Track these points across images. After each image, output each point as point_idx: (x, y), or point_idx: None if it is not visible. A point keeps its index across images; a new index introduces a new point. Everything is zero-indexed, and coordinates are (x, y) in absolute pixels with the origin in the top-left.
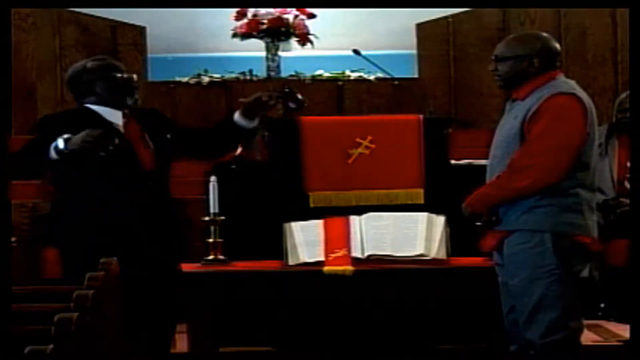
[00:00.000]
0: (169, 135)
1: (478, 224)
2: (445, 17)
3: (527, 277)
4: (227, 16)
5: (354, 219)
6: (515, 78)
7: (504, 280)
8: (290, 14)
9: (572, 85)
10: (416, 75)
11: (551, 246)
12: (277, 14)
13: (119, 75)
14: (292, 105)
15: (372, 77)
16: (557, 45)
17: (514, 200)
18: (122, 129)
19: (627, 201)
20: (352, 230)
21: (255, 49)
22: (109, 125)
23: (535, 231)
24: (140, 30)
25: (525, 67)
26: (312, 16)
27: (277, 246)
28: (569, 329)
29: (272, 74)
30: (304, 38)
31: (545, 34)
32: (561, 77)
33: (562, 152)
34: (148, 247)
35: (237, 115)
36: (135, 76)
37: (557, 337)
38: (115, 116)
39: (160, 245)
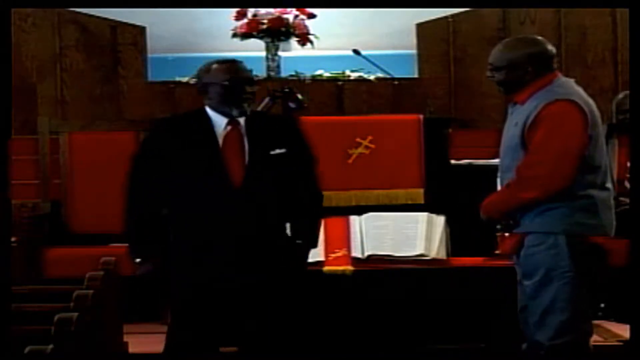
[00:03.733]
0: (279, 150)
1: (498, 227)
2: (445, 17)
3: (540, 278)
4: (227, 16)
5: (354, 219)
6: (513, 85)
7: (520, 279)
8: (290, 14)
9: (570, 89)
10: (416, 75)
11: (565, 248)
12: (277, 14)
13: (229, 84)
14: (292, 105)
15: (372, 77)
16: (551, 48)
17: (525, 207)
18: (220, 138)
19: (627, 201)
20: (352, 230)
21: (255, 49)
22: (209, 132)
23: (549, 233)
24: (140, 30)
25: (520, 74)
26: (312, 16)
27: None
28: (578, 331)
29: (272, 74)
30: (304, 38)
31: (538, 37)
32: (559, 79)
33: (563, 159)
34: (231, 264)
35: None
36: (250, 88)
37: (566, 340)
38: (220, 122)
39: (244, 262)
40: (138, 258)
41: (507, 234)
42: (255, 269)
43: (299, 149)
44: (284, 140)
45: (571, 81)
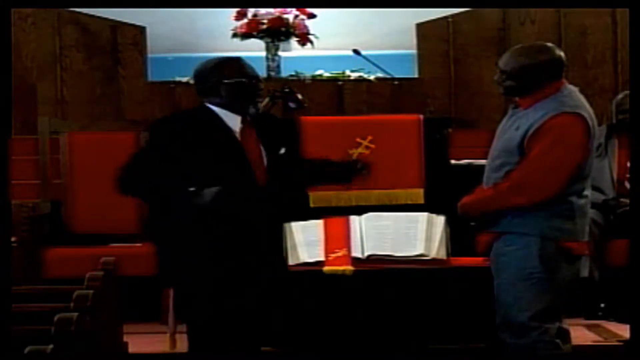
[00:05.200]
0: (283, 150)
1: (472, 224)
2: (445, 17)
3: (507, 278)
4: (227, 16)
5: (354, 219)
6: (521, 90)
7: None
8: (290, 14)
9: (577, 100)
10: (416, 75)
11: (536, 250)
12: (277, 14)
13: (246, 81)
14: (292, 105)
15: (372, 77)
16: (563, 55)
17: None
18: (238, 136)
19: (627, 201)
20: (352, 230)
21: (255, 49)
22: (226, 130)
23: (523, 234)
24: (140, 30)
25: (531, 81)
26: (312, 16)
27: None
28: (539, 330)
29: (272, 74)
30: (304, 38)
31: (550, 45)
32: (566, 88)
33: (560, 172)
34: (254, 263)
35: None
36: (262, 84)
37: (529, 340)
38: (233, 121)
39: (265, 259)
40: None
41: (481, 233)
42: (272, 266)
43: (295, 149)
44: (284, 140)
45: (576, 90)
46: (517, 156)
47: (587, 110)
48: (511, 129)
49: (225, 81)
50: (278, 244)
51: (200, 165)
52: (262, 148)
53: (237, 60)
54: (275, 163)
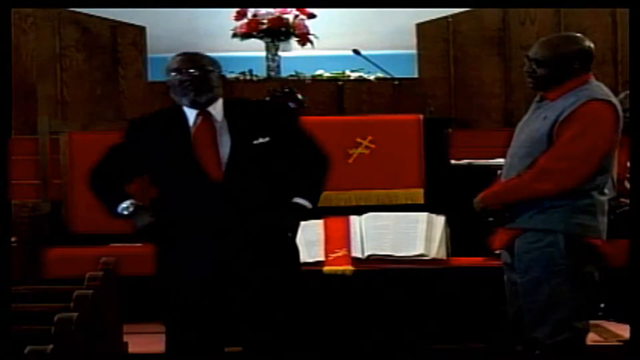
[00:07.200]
0: (267, 139)
1: (490, 219)
2: (445, 17)
3: (537, 276)
4: (227, 16)
5: (354, 219)
6: (552, 81)
7: (512, 279)
8: (290, 14)
9: (606, 91)
10: (416, 75)
11: (563, 247)
12: (277, 14)
13: (180, 76)
14: (292, 105)
15: (372, 77)
16: (592, 46)
17: (531, 200)
18: (193, 131)
19: (627, 201)
20: (352, 230)
21: (255, 49)
22: (183, 126)
23: (548, 231)
24: (140, 30)
25: (564, 70)
26: (312, 16)
27: None
28: (575, 329)
29: (272, 74)
30: (304, 38)
31: (579, 35)
32: (594, 80)
33: (589, 159)
34: (216, 260)
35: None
36: (212, 74)
37: (564, 337)
38: (192, 115)
39: (229, 255)
40: (126, 211)
41: (499, 229)
42: (244, 264)
43: (287, 135)
44: (268, 128)
45: (602, 84)
46: (544, 145)
47: (616, 100)
48: (538, 119)
49: (168, 79)
50: (257, 241)
51: (156, 164)
52: (222, 141)
53: (178, 55)
54: (240, 155)
